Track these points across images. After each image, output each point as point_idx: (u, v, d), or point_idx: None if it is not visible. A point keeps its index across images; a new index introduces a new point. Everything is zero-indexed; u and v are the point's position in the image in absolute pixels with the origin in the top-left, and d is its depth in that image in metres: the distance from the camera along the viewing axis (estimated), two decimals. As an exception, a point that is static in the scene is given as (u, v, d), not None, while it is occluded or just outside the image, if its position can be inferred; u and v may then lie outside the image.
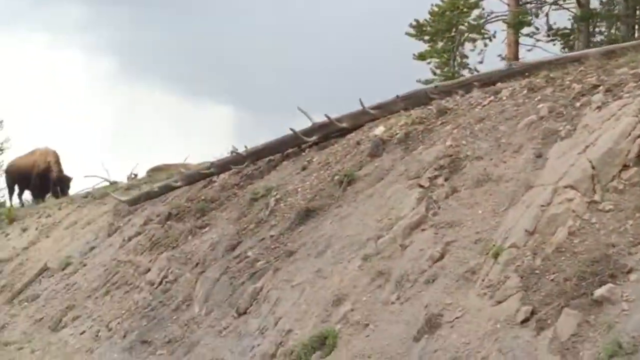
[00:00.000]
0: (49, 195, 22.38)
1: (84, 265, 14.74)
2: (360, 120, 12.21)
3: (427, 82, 18.65)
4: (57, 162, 22.10)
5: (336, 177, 10.92)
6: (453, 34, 18.75)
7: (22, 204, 23.26)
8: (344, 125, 12.29)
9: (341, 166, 11.26)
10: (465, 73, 17.93)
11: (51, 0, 74.08)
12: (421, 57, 19.17)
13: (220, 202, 12.68)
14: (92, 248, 15.29)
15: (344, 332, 8.18)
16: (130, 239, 14.27)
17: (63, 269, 15.18)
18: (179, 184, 13.12)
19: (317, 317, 8.63)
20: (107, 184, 20.85)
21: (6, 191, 23.80)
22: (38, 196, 22.57)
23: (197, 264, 11.39)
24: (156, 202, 15.02)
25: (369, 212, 9.72)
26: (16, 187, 23.30)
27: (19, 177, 22.84)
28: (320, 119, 12.48)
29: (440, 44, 19.12)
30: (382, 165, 10.67)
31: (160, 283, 11.67)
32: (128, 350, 10.67)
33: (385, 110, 12.15)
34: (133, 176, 21.84)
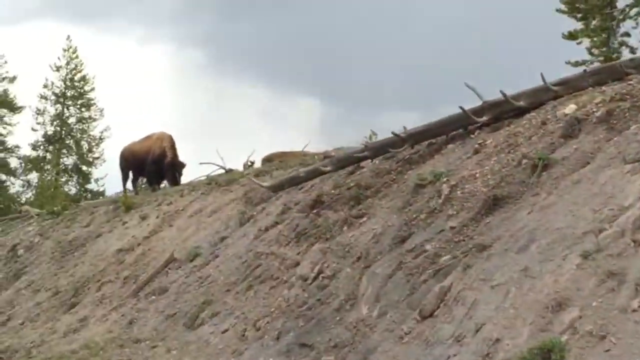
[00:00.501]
0: (164, 182, 21.60)
1: (216, 256, 13.62)
2: (540, 97, 10.65)
3: (576, 63, 16.83)
4: (172, 147, 21.31)
5: (525, 162, 9.38)
6: (611, 10, 16.86)
7: (136, 192, 22.49)
8: (521, 103, 10.74)
9: (527, 149, 9.71)
10: (627, 53, 16.02)
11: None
12: (572, 36, 17.36)
13: (376, 189, 11.29)
14: (223, 238, 14.16)
15: (573, 344, 6.65)
16: (267, 229, 13.06)
17: (191, 260, 14.11)
18: (328, 168, 11.78)
19: (533, 325, 7.11)
20: (223, 171, 20.12)
21: (119, 177, 23.04)
22: (153, 183, 21.81)
23: (358, 258, 10.00)
24: (290, 190, 13.83)
25: (580, 202, 8.15)
26: (130, 174, 22.57)
27: (133, 162, 22.16)
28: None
29: (594, 22, 17.27)
30: (582, 148, 9.08)
31: (315, 278, 10.33)
32: (285, 354, 9.34)
33: (570, 86, 10.57)
34: (249, 164, 20.97)
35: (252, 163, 21.23)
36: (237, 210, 14.91)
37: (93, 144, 53.40)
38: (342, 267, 10.09)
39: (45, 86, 52.89)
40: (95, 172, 52.51)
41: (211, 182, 17.55)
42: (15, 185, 50.68)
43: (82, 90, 53.79)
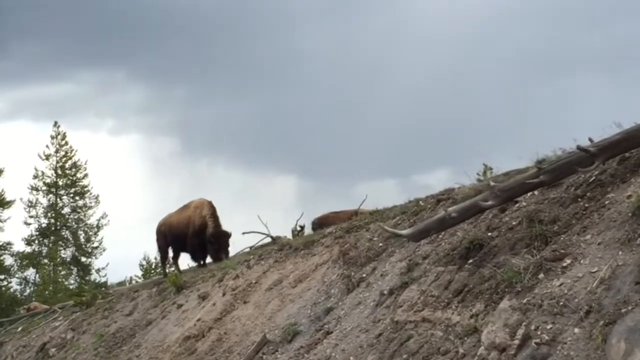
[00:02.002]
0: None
1: (327, 332, 10.73)
2: None
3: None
4: (214, 216, 18.85)
5: None
6: None
7: (178, 270, 19.62)
8: None
9: None
10: None
11: (115, 86, 72.85)
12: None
13: (565, 222, 8.56)
14: (329, 310, 11.28)
15: None
16: (393, 292, 10.25)
17: (290, 341, 11.23)
18: (489, 203, 9.04)
19: None
20: (269, 239, 18.58)
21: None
22: (198, 258, 19.02)
23: (587, 312, 7.20)
24: (405, 244, 11.13)
25: None
26: (170, 250, 19.77)
27: (172, 237, 19.58)
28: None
29: None
30: None
31: (523, 346, 7.50)
32: None
33: None
34: (299, 228, 18.86)
35: (302, 228, 19.35)
36: (336, 275, 12.14)
37: (90, 233, 50.41)
38: (564, 327, 7.27)
39: (35, 177, 50.13)
40: (96, 263, 49.37)
41: (283, 248, 14.75)
42: (12, 284, 47.33)
43: (74, 178, 50.94)
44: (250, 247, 19.01)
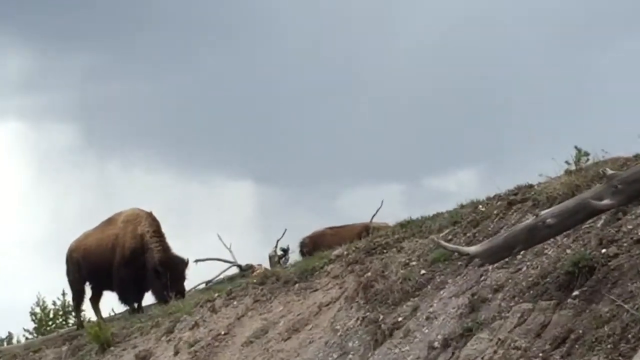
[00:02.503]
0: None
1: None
2: None
3: None
4: (158, 233, 18.40)
5: None
6: None
7: (100, 317, 19.14)
8: None
9: None
10: None
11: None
12: None
13: None
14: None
15: None
16: (447, 345, 9.97)
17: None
18: (605, 202, 8.57)
19: None
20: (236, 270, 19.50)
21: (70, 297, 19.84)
22: (130, 300, 18.50)
23: None
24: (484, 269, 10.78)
25: None
26: (86, 287, 19.42)
27: (90, 268, 19.26)
28: None
29: None
30: None
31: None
32: None
33: None
34: (280, 253, 20.25)
35: (285, 252, 20.10)
36: (354, 320, 11.82)
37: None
38: None
39: None
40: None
41: (265, 281, 14.41)
42: None
43: None
44: (207, 282, 18.71)
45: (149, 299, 18.79)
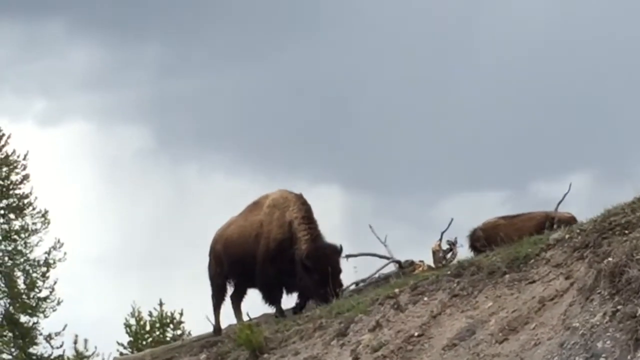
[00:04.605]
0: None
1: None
2: None
3: None
4: (308, 220, 16.86)
5: None
6: None
7: (240, 319, 17.79)
8: None
9: None
10: None
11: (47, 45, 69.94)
12: None
13: None
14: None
15: None
16: None
17: None
18: None
19: None
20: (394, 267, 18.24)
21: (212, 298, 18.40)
22: (275, 300, 17.21)
23: None
24: None
25: None
26: (228, 285, 18.09)
27: (231, 262, 17.78)
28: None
29: None
30: None
31: None
32: None
33: None
34: (446, 247, 18.94)
35: (453, 245, 18.80)
36: (599, 316, 10.66)
37: (35, 274, 48.31)
38: None
39: None
40: (46, 324, 47.14)
41: (462, 273, 13.33)
42: None
43: (7, 182, 48.00)
44: (357, 283, 17.58)
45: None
